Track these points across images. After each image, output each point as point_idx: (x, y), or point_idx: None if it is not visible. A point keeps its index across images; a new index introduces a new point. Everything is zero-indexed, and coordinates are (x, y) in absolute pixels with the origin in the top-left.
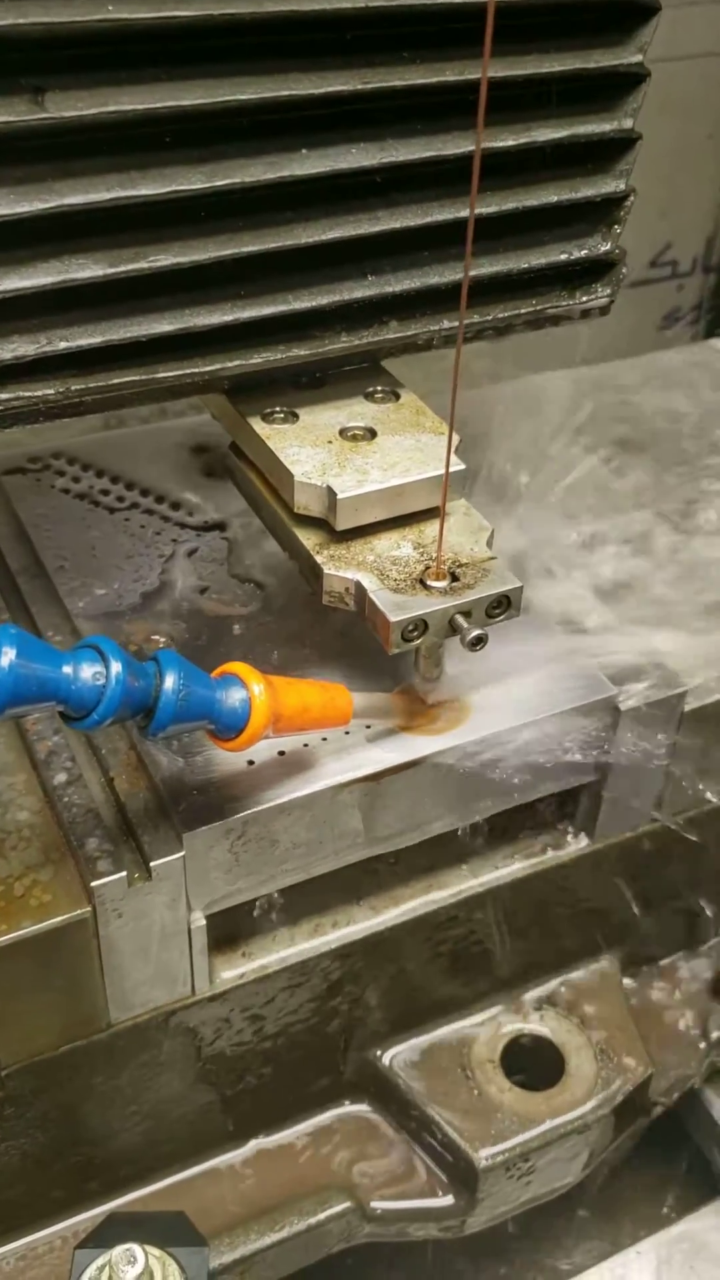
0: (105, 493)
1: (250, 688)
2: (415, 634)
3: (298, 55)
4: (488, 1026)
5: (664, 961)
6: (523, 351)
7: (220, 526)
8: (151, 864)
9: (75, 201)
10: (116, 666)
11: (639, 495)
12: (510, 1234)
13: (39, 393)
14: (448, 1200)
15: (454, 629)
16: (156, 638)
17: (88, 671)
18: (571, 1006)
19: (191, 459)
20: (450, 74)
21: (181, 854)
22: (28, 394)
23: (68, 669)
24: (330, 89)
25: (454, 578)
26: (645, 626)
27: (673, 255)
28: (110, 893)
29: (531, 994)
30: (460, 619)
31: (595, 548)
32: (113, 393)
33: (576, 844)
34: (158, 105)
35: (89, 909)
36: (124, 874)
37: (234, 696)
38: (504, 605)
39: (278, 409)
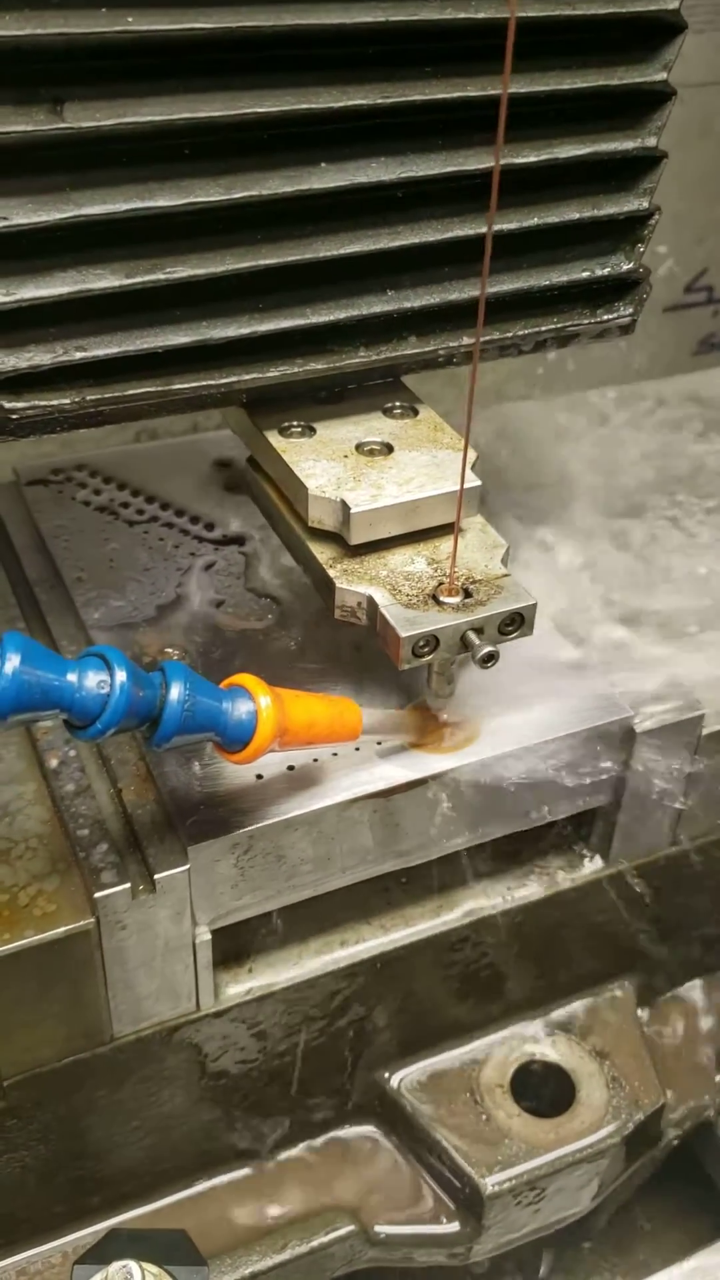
0: (125, 505)
1: (257, 700)
2: (426, 650)
3: (318, 69)
4: (498, 1051)
5: (680, 989)
6: (552, 375)
7: (239, 540)
8: (156, 877)
9: (93, 212)
10: (121, 675)
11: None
12: (518, 1264)
13: (55, 402)
14: (453, 1227)
15: (465, 646)
16: (170, 650)
17: (93, 680)
18: (584, 1033)
19: (214, 473)
20: (472, 89)
21: (186, 867)
22: (44, 403)
23: (72, 677)
24: (350, 103)
25: (467, 594)
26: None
27: (709, 280)
28: (114, 904)
29: (543, 1019)
30: (472, 635)
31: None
32: (129, 404)
33: (591, 867)
34: (176, 117)
35: (92, 920)
36: (128, 886)
37: (241, 708)
38: (517, 623)
39: (295, 423)
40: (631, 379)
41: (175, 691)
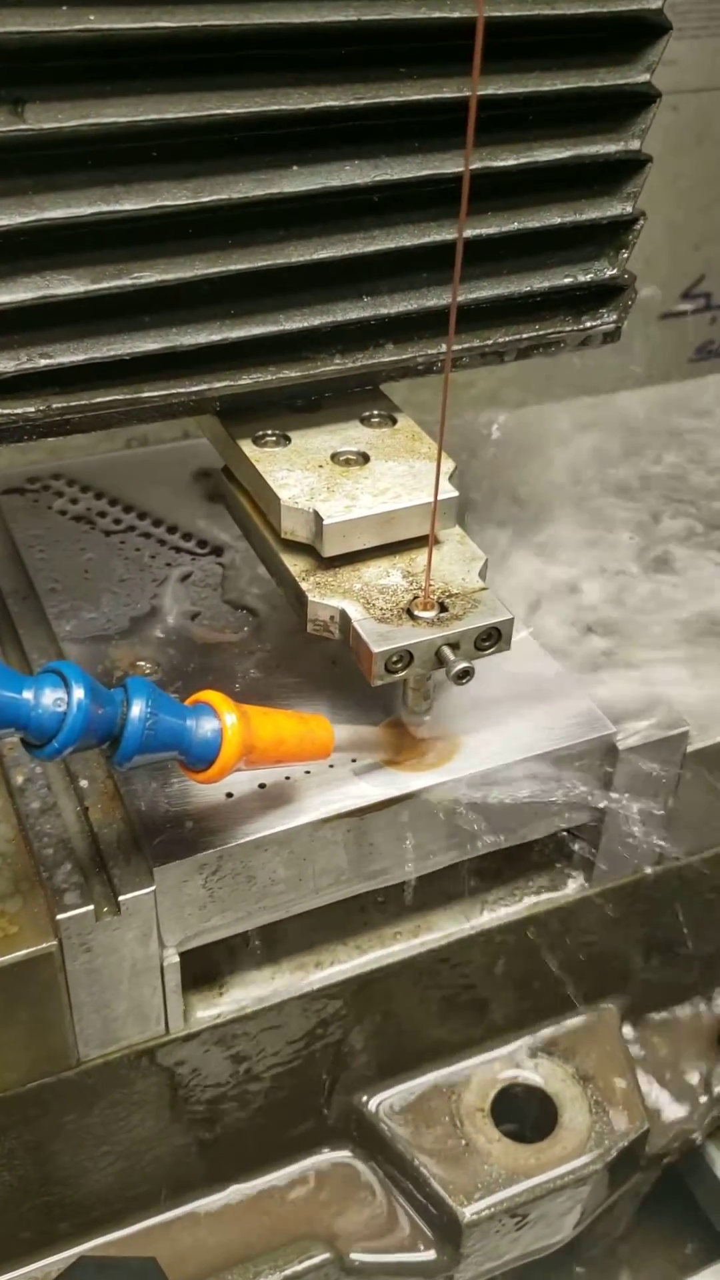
0: (103, 515)
1: (222, 717)
2: (400, 665)
3: (289, 69)
4: (479, 1074)
5: (665, 1010)
6: (550, 382)
7: (217, 551)
8: (121, 898)
9: (56, 215)
10: (79, 692)
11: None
12: None
13: (19, 411)
14: (430, 1255)
15: (440, 661)
16: (141, 664)
17: (49, 697)
18: (567, 1055)
19: (193, 482)
20: (448, 90)
21: (152, 889)
22: (7, 412)
23: (28, 694)
24: (322, 104)
25: (443, 608)
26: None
27: (706, 288)
28: (76, 926)
29: (525, 1041)
30: (447, 651)
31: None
32: (97, 412)
33: (574, 886)
34: (142, 118)
35: (55, 943)
36: (91, 908)
37: (205, 726)
38: (494, 638)
39: (269, 432)
40: (629, 386)
41: (136, 709)
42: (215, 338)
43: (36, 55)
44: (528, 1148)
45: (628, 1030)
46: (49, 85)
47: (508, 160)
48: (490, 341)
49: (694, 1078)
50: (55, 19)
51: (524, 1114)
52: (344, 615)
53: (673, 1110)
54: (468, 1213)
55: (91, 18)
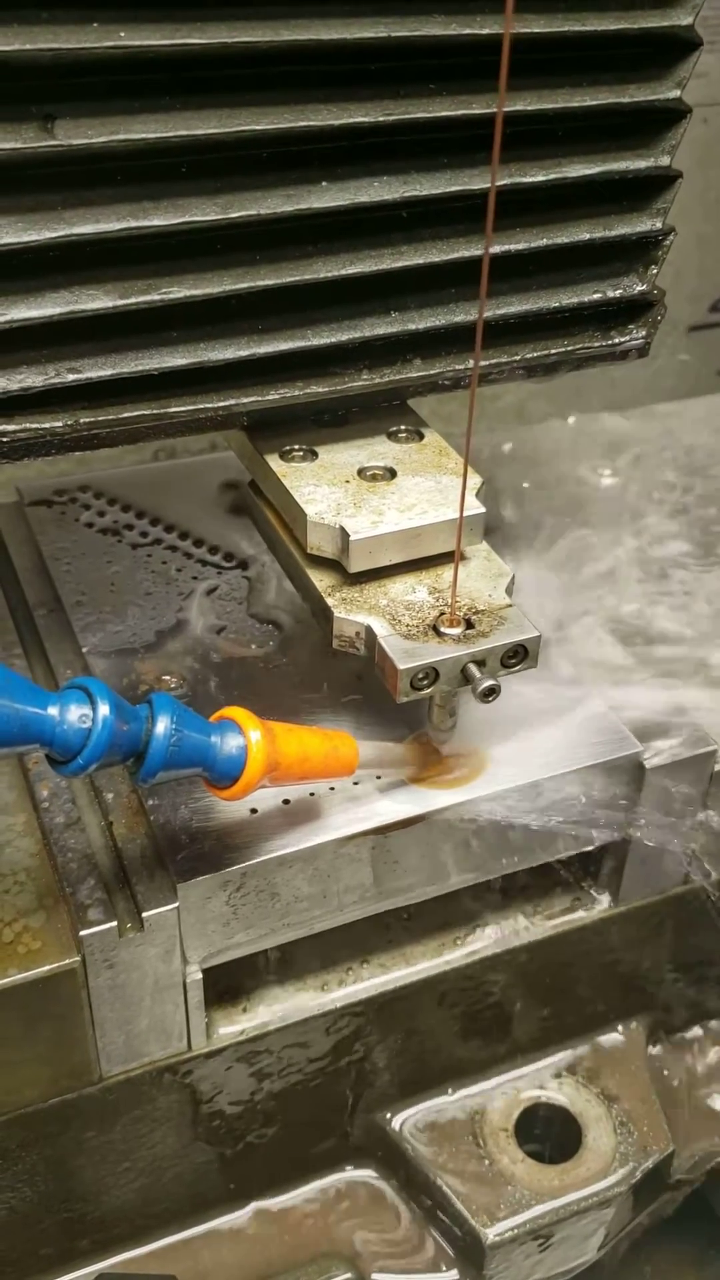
0: (130, 527)
1: (247, 734)
2: (425, 682)
3: (318, 85)
4: (502, 1093)
5: (691, 1030)
6: (579, 395)
7: (243, 565)
8: (144, 914)
9: (85, 231)
10: (104, 709)
11: None
12: None
13: (47, 425)
14: (453, 1276)
15: (466, 678)
16: (166, 678)
17: (74, 714)
18: (591, 1075)
19: (220, 495)
20: (477, 107)
21: (176, 905)
22: (35, 426)
23: (53, 710)
24: (351, 120)
25: (469, 625)
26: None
27: None
28: (100, 943)
29: (549, 1061)
30: (473, 668)
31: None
32: (124, 426)
33: (600, 905)
34: (171, 135)
35: (78, 959)
36: (114, 924)
37: (230, 743)
38: (520, 655)
39: (296, 447)
40: (658, 399)
41: (161, 725)
42: (243, 353)
43: (67, 72)
44: (552, 1168)
45: (653, 1050)
46: (79, 101)
47: (537, 176)
48: (518, 357)
49: (719, 1100)
50: (86, 36)
51: (548, 1134)
52: (369, 631)
53: (698, 1131)
54: (491, 1234)
55: (122, 35)
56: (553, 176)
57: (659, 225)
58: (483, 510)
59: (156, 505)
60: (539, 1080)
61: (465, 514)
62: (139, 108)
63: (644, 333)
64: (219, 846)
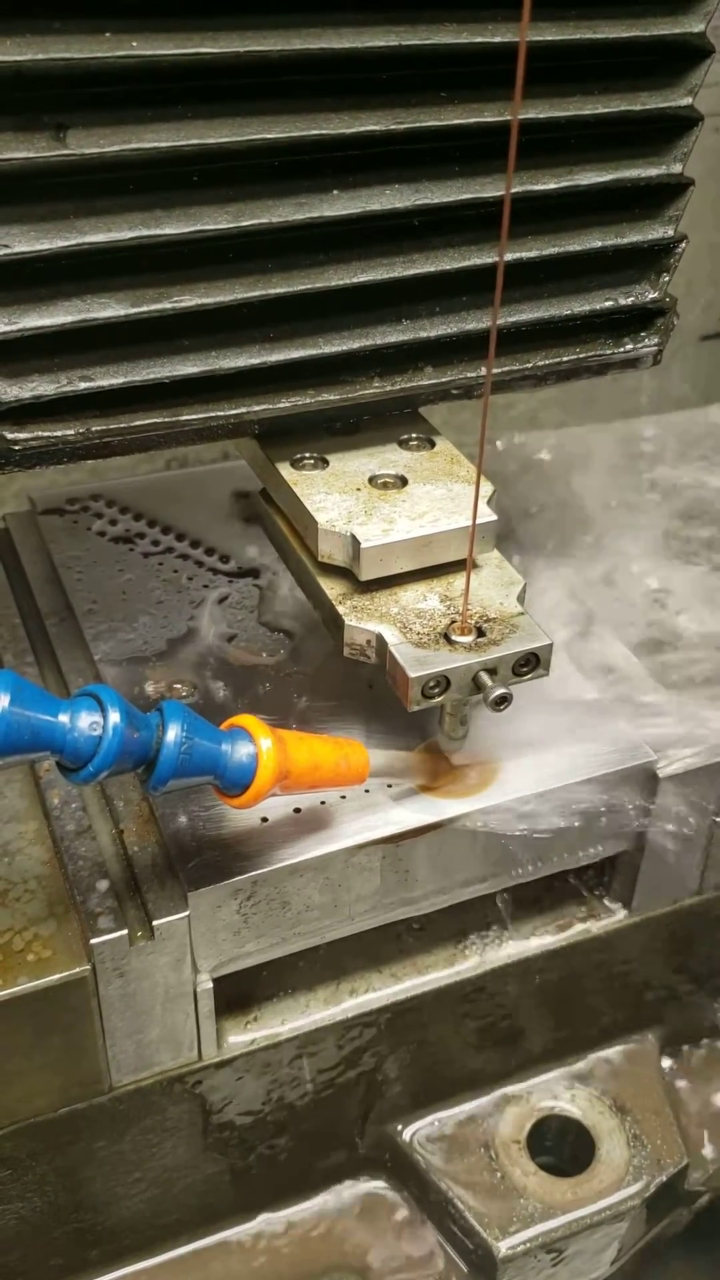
0: (141, 536)
1: (258, 742)
2: (437, 691)
3: (329, 94)
4: (514, 1105)
5: (705, 1041)
6: (591, 404)
7: (254, 573)
8: (155, 923)
9: (97, 240)
10: (115, 716)
11: None
12: None
13: (59, 433)
14: None
15: (478, 687)
16: (178, 686)
17: (85, 721)
18: (604, 1087)
19: (232, 504)
20: (489, 115)
21: (186, 914)
22: (47, 434)
23: (64, 717)
24: (363, 129)
25: (480, 633)
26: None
27: None
28: (110, 951)
29: (562, 1072)
30: (485, 676)
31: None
32: (136, 434)
33: (613, 916)
34: (183, 143)
35: (88, 967)
36: (124, 932)
37: (241, 751)
38: (532, 663)
39: (307, 455)
40: (670, 408)
41: (172, 733)
42: (255, 361)
43: (79, 81)
44: (564, 1181)
45: (666, 1062)
46: (91, 111)
47: (548, 184)
48: (530, 365)
49: None
50: (98, 45)
51: (560, 1146)
52: (381, 639)
53: (713, 1144)
54: (503, 1247)
55: (134, 44)
56: (565, 184)
57: (671, 233)
58: (495, 518)
59: (168, 514)
60: (552, 1092)
61: (477, 522)
62: (151, 117)
63: (656, 340)
64: (230, 855)
